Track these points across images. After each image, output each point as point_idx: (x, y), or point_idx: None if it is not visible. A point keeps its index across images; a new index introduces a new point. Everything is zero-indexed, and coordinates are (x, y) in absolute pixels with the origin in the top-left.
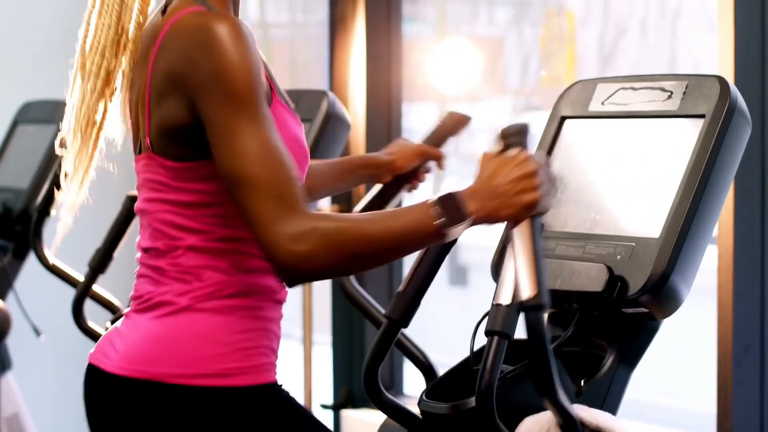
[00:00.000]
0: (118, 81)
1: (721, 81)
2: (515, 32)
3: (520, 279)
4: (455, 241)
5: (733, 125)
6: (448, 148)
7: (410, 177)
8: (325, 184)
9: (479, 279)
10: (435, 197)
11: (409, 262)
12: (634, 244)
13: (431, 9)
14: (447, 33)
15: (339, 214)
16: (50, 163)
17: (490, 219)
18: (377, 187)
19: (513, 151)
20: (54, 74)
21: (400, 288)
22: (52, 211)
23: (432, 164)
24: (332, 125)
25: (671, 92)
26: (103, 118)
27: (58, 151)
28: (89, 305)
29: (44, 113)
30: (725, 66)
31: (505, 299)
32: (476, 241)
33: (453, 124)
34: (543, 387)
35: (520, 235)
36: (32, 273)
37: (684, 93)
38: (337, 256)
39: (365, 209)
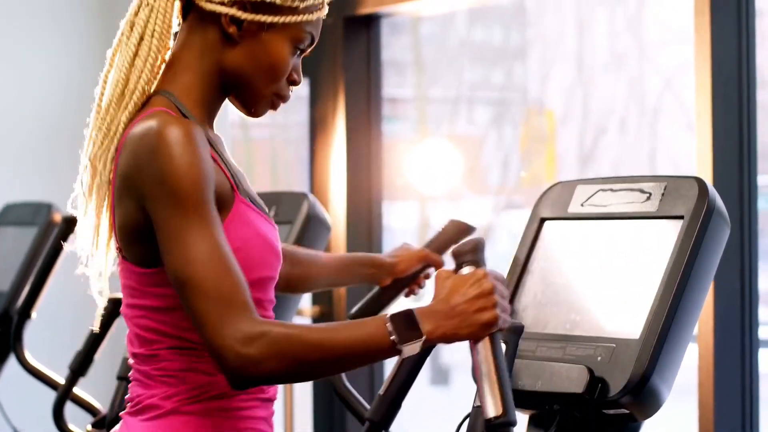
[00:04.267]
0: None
1: (699, 182)
2: (495, 132)
3: (485, 398)
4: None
5: (711, 226)
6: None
7: (410, 281)
8: (324, 275)
9: (461, 379)
10: (392, 313)
11: (391, 363)
12: (614, 345)
13: (412, 109)
14: (427, 132)
15: (290, 322)
16: (31, 265)
17: (447, 338)
18: (376, 290)
19: (468, 269)
20: (34, 176)
21: (381, 390)
22: (33, 314)
23: (433, 270)
24: (313, 227)
25: (650, 193)
26: (109, 172)
27: (72, 211)
28: (70, 408)
29: (25, 215)
30: (703, 165)
31: None
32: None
33: (455, 232)
34: None
35: (482, 353)
36: (12, 375)
37: (663, 194)
38: (287, 362)
39: (362, 310)
